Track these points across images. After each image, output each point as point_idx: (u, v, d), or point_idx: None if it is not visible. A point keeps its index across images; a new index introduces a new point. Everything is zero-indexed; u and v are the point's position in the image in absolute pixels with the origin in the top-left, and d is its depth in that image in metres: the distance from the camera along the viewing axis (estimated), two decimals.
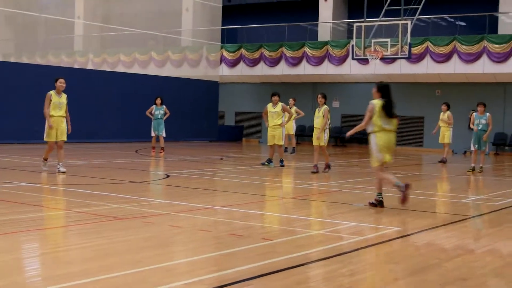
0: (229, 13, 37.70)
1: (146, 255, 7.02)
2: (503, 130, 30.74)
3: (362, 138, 34.24)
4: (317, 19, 35.29)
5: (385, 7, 26.59)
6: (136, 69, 35.80)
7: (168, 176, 15.94)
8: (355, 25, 26.98)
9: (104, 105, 29.38)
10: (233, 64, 35.51)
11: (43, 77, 26.08)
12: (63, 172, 15.14)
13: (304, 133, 34.95)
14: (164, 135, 22.96)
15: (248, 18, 38.61)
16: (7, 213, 9.50)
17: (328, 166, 18.15)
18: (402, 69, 30.67)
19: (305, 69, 33.29)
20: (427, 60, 30.07)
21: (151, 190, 14.07)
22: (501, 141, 30.85)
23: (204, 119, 34.48)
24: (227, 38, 37.13)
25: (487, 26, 30.12)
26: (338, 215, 10.73)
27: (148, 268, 6.35)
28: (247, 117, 38.15)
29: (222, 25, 36.83)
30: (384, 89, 11.37)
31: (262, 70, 34.62)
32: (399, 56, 26.32)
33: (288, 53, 33.56)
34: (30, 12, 35.79)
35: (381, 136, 11.16)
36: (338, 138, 34.33)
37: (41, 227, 8.82)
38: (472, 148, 19.69)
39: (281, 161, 19.28)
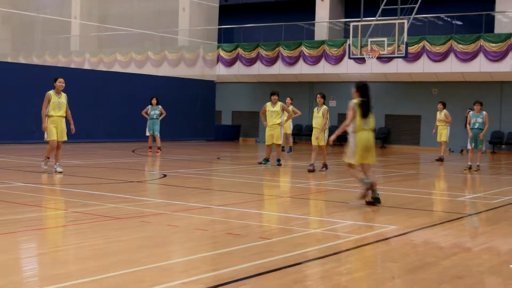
0: (225, 13, 37.69)
1: (143, 254, 7.02)
2: (499, 128, 30.79)
3: None
4: (313, 19, 35.29)
5: (382, 6, 26.59)
6: (132, 69, 35.77)
7: (165, 175, 15.93)
8: (351, 24, 26.99)
9: (101, 105, 29.37)
10: (230, 63, 35.52)
11: (40, 77, 26.09)
12: (60, 172, 15.12)
13: (301, 132, 34.98)
14: (158, 134, 22.97)
15: (245, 17, 38.61)
16: (5, 213, 9.49)
17: (325, 166, 18.17)
18: (398, 68, 30.69)
19: (302, 69, 33.29)
20: (424, 59, 30.09)
21: (148, 189, 14.06)
22: (497, 139, 30.89)
23: (201, 118, 34.49)
24: (224, 37, 37.13)
25: (483, 25, 30.15)
26: (335, 213, 10.73)
27: (145, 268, 6.35)
28: (244, 116, 38.15)
29: (219, 25, 36.82)
30: (363, 88, 11.63)
31: (259, 70, 34.63)
32: (395, 55, 26.33)
33: (285, 52, 33.57)
34: (26, 12, 35.76)
35: (360, 135, 11.31)
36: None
37: (38, 227, 8.81)
38: (468, 146, 19.73)
39: (278, 160, 19.28)
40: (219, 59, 35.88)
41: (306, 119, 33.31)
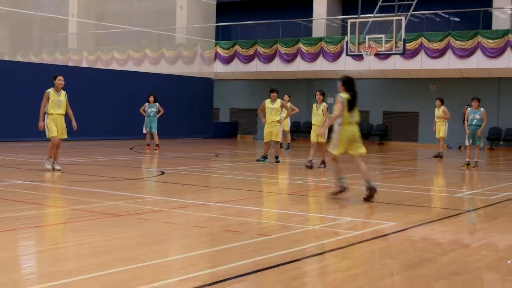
0: (223, 10, 37.66)
1: (141, 251, 7.03)
2: (497, 125, 30.80)
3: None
4: (311, 16, 35.28)
5: (379, 3, 26.57)
6: (130, 67, 35.75)
7: (163, 173, 15.94)
8: (349, 21, 26.96)
9: (99, 102, 29.36)
10: (227, 61, 35.50)
11: (38, 75, 26.08)
12: (58, 170, 15.12)
13: (299, 129, 35.00)
14: (155, 132, 22.97)
15: (242, 15, 38.59)
16: (4, 211, 9.50)
17: (323, 163, 18.17)
18: (396, 65, 30.70)
19: (299, 66, 33.29)
20: (422, 55, 30.10)
21: (146, 187, 14.07)
22: (495, 135, 30.91)
23: (199, 116, 34.48)
24: (222, 35, 37.11)
25: (481, 22, 30.15)
26: (333, 210, 10.75)
27: (143, 265, 6.36)
28: (242, 113, 38.15)
29: (216, 22, 36.81)
30: (348, 83, 11.70)
31: (256, 67, 34.62)
32: (393, 52, 26.32)
33: (283, 49, 33.57)
34: (24, 10, 35.76)
35: (346, 129, 11.48)
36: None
37: (37, 224, 8.81)
38: (466, 143, 19.74)
39: (276, 157, 19.27)
40: (216, 56, 35.87)
41: (304, 116, 33.31)
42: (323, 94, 18.11)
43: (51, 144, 15.23)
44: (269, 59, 34.04)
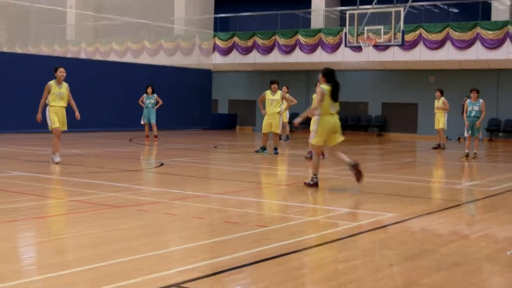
0: (221, 2, 37.58)
1: (140, 243, 7.03)
2: (496, 116, 30.81)
3: (356, 125, 34.29)
4: (309, 7, 35.22)
5: None
6: (128, 58, 35.71)
7: (162, 164, 15.93)
8: (348, 12, 26.92)
9: (97, 94, 29.31)
10: (226, 52, 35.46)
11: (36, 67, 26.05)
12: (58, 163, 15.10)
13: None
14: (154, 123, 22.93)
15: (241, 6, 38.54)
16: (3, 202, 9.50)
17: (322, 154, 18.14)
18: (395, 56, 30.67)
19: (298, 57, 33.26)
20: (420, 47, 30.07)
21: (146, 178, 14.07)
22: (494, 127, 30.94)
23: (197, 107, 34.45)
24: (220, 26, 37.07)
25: (480, 13, 30.12)
26: (332, 201, 10.75)
27: (143, 256, 6.35)
28: (241, 105, 38.13)
29: (215, 14, 36.76)
30: (329, 74, 12.01)
31: (255, 58, 34.57)
32: (392, 43, 26.29)
33: (281, 41, 33.52)
34: (22, 2, 35.66)
35: (327, 119, 11.70)
36: None
37: (36, 215, 8.80)
38: (466, 134, 19.73)
39: (275, 148, 19.27)
40: (215, 48, 35.82)
41: (302, 107, 33.24)
42: None
43: (54, 138, 15.12)
44: (267, 50, 33.99)
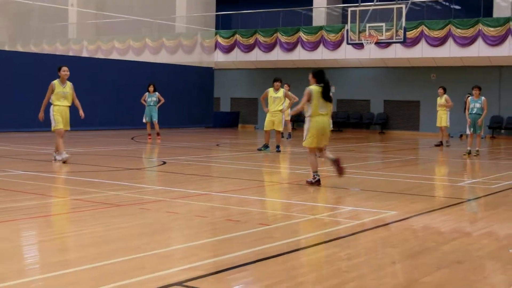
0: None
1: (143, 241, 7.03)
2: (498, 113, 30.77)
3: (358, 123, 34.27)
4: (311, 4, 35.18)
5: None
6: (130, 56, 35.72)
7: (164, 162, 15.93)
8: (349, 9, 26.87)
9: (99, 92, 29.31)
10: (227, 50, 35.43)
11: (38, 65, 26.06)
12: (59, 160, 15.10)
13: (299, 118, 34.91)
14: (156, 121, 22.93)
15: (242, 3, 38.46)
16: (5, 201, 9.51)
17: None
18: (397, 53, 30.64)
19: (300, 55, 33.23)
20: (422, 44, 30.03)
21: (148, 176, 14.07)
22: (497, 124, 30.88)
23: (199, 105, 34.46)
24: (222, 24, 37.03)
25: (482, 10, 30.06)
26: (334, 199, 10.75)
27: (145, 255, 6.36)
28: (243, 103, 38.12)
29: (216, 11, 36.73)
30: (319, 74, 11.98)
31: (257, 56, 34.56)
32: (394, 40, 26.24)
33: (283, 38, 33.49)
34: (23, 0, 35.66)
35: (316, 120, 11.79)
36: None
37: (38, 214, 8.81)
38: (468, 131, 19.71)
39: (278, 146, 19.26)
40: (217, 45, 35.80)
41: None
42: None
43: (57, 138, 15.10)
44: (269, 48, 33.97)
